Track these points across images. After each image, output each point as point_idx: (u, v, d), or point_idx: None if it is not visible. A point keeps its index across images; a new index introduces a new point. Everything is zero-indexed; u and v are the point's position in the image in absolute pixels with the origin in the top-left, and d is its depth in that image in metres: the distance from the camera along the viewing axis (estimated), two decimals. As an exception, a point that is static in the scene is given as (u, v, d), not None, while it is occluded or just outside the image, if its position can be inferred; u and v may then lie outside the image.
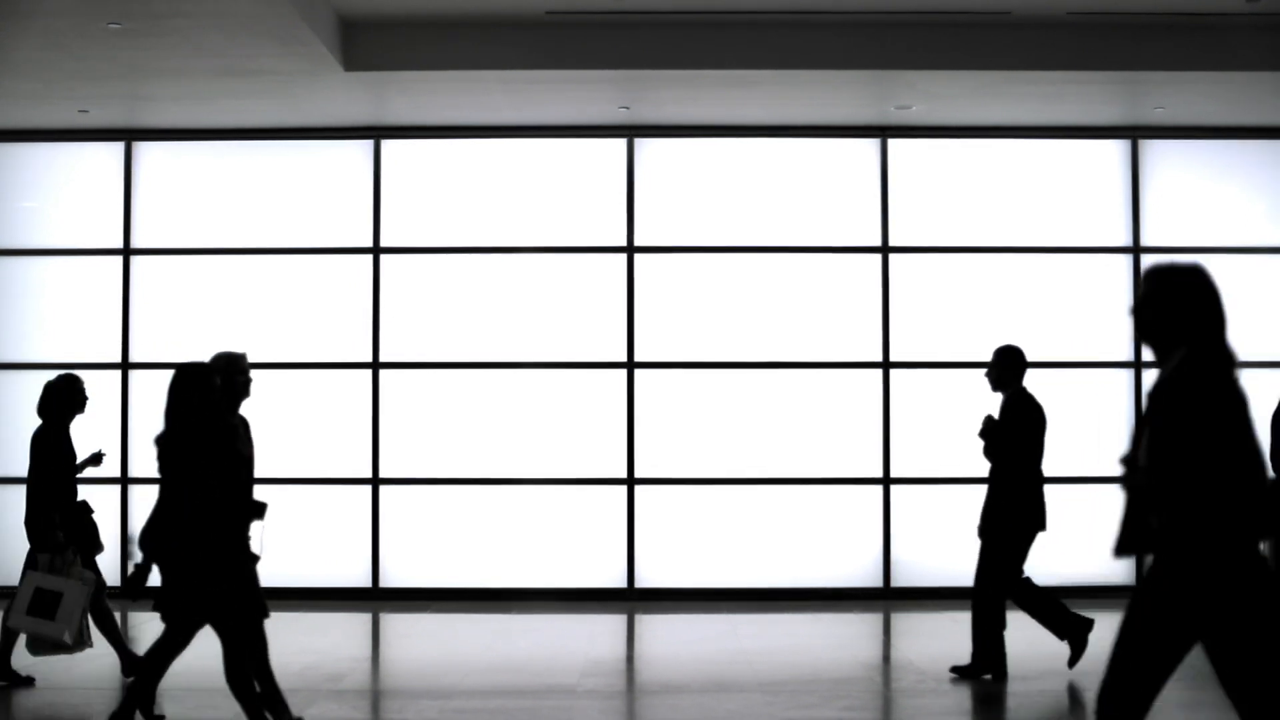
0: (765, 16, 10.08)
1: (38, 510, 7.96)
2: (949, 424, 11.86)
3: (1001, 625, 8.17)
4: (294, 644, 8.43)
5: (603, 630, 10.43)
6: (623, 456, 11.78)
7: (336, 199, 12.01)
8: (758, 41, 10.20)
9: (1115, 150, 12.05)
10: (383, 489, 11.78)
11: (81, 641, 7.88)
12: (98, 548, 8.19)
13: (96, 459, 8.43)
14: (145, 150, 12.08)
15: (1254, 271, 12.07)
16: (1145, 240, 11.98)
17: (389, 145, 12.00)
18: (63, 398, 8.19)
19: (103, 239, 12.05)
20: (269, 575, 11.88)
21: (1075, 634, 8.22)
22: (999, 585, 8.13)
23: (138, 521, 11.85)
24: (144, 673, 6.50)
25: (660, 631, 10.52)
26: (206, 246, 12.02)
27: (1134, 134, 12.00)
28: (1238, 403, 4.09)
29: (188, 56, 9.72)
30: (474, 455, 11.74)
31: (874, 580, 11.80)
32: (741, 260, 11.93)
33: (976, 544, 11.78)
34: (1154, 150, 12.05)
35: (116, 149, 12.07)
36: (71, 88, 10.59)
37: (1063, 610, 8.28)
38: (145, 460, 11.91)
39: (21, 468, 11.98)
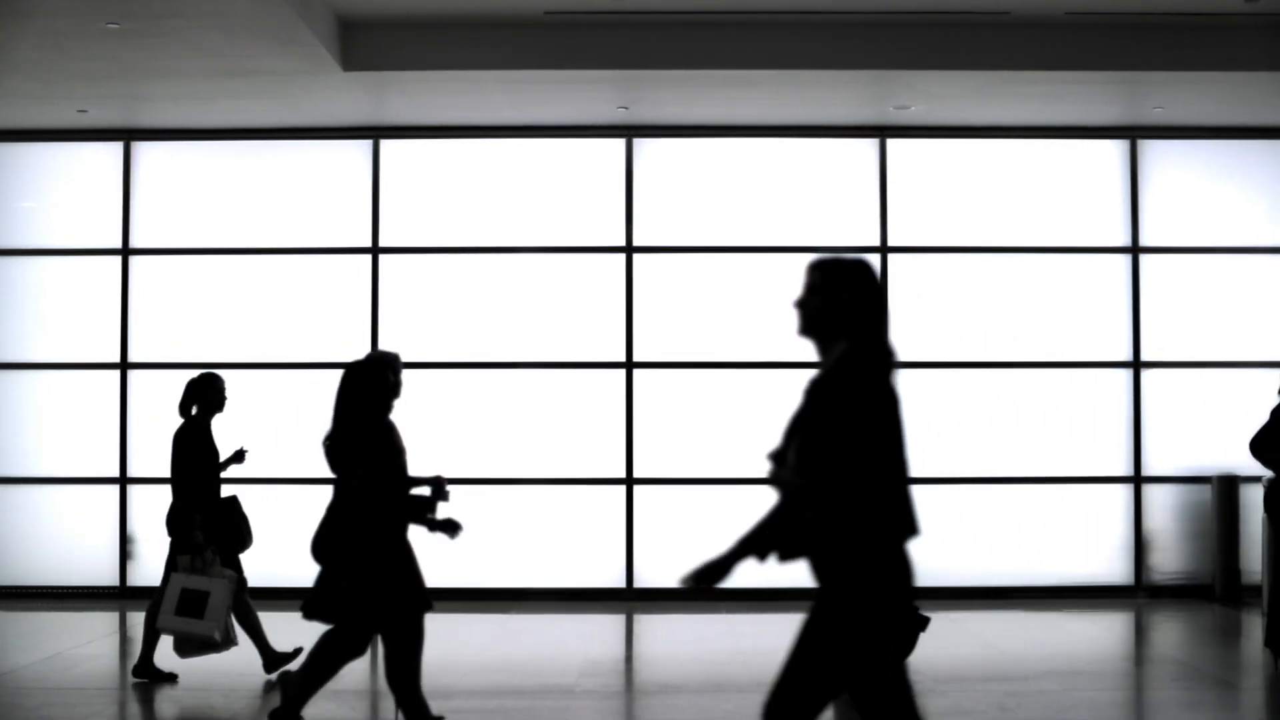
0: (764, 16, 10.08)
1: (179, 509, 7.97)
2: (948, 424, 11.87)
3: None
4: (292, 644, 8.43)
5: (601, 630, 10.43)
6: (621, 456, 11.78)
7: (335, 199, 12.01)
8: (757, 41, 10.20)
9: (1114, 150, 12.05)
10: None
11: (229, 640, 7.91)
12: (246, 543, 8.20)
13: (239, 457, 8.41)
14: (144, 150, 12.09)
15: (1253, 271, 12.07)
16: (1144, 240, 11.99)
17: (388, 145, 12.00)
18: (204, 395, 8.14)
19: (101, 239, 12.05)
20: (268, 574, 11.91)
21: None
22: None
23: (137, 521, 11.86)
24: (310, 675, 6.39)
25: (659, 631, 10.52)
26: (205, 246, 12.03)
27: (1133, 134, 12.00)
28: (889, 402, 3.96)
29: (186, 57, 9.72)
30: (472, 455, 11.74)
31: (873, 580, 11.79)
32: (740, 260, 11.93)
33: (975, 545, 11.82)
34: (1153, 150, 12.05)
35: (115, 149, 12.08)
36: (70, 88, 10.59)
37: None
38: (145, 460, 11.93)
39: (21, 467, 12.02)
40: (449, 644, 8.76)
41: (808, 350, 4.20)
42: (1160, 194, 12.04)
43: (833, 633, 3.91)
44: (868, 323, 4.02)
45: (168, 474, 8.13)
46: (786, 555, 3.93)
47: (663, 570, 11.77)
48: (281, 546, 11.73)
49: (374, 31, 10.14)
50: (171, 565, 7.98)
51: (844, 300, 4.03)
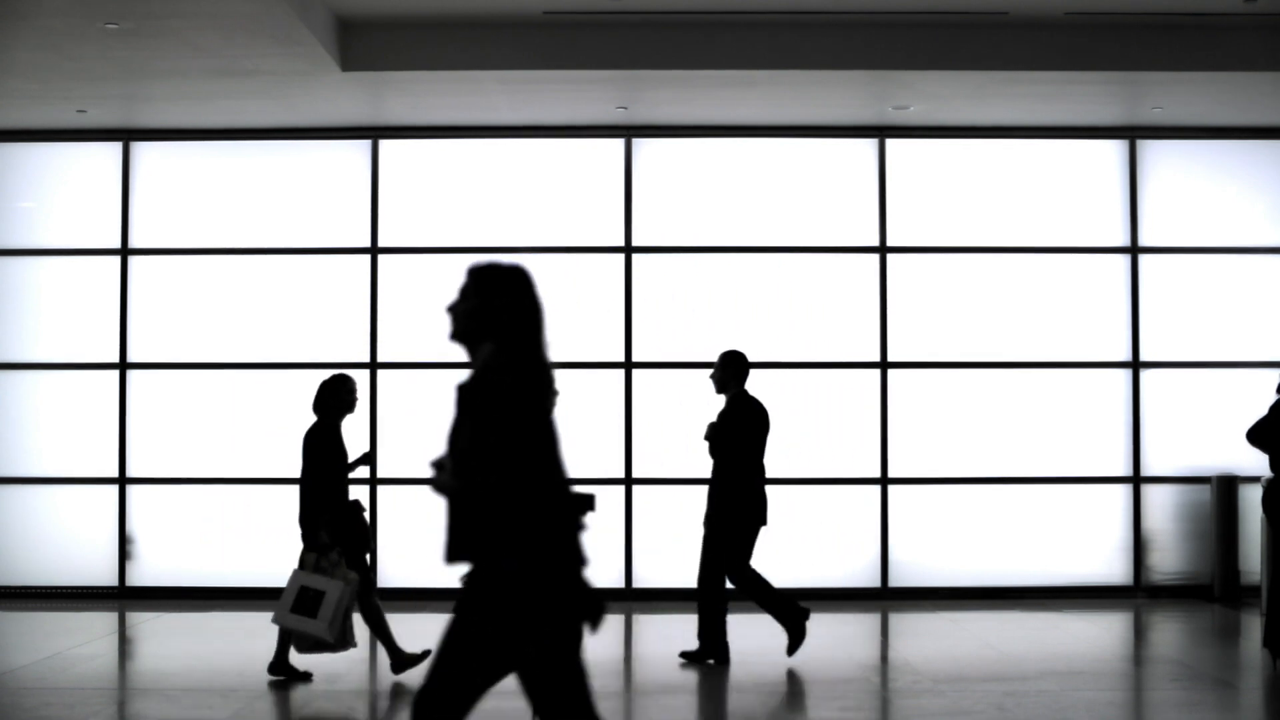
0: (763, 16, 10.08)
1: (307, 509, 7.97)
2: (947, 424, 11.87)
3: (723, 614, 8.74)
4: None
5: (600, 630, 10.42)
6: (620, 457, 11.78)
7: (334, 199, 12.01)
8: (755, 41, 10.20)
9: (1113, 150, 12.05)
10: (381, 490, 11.77)
11: (344, 641, 7.93)
12: (369, 546, 8.21)
13: (367, 458, 8.41)
14: (143, 150, 12.08)
15: (1252, 271, 12.08)
16: (1143, 240, 11.99)
17: (387, 145, 12.00)
18: (336, 396, 8.13)
19: (100, 239, 12.04)
20: (257, 576, 11.87)
21: (795, 622, 8.77)
22: (731, 576, 8.73)
23: (137, 521, 11.85)
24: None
25: (657, 632, 10.52)
26: (204, 246, 12.02)
27: (1132, 134, 12.01)
28: (535, 404, 3.96)
29: (185, 57, 9.72)
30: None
31: (871, 580, 11.80)
32: (739, 260, 11.93)
33: (974, 545, 11.82)
34: (1152, 150, 12.06)
35: (114, 149, 12.07)
36: (69, 88, 10.58)
37: (784, 600, 8.81)
38: (144, 460, 11.93)
39: (20, 467, 12.01)
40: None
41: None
42: (1159, 194, 12.05)
43: (489, 627, 3.89)
44: (518, 327, 4.04)
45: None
46: (452, 558, 3.93)
47: (662, 570, 11.76)
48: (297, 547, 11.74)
49: (373, 31, 10.13)
50: (302, 563, 8.04)
51: (494, 305, 4.06)
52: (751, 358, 11.91)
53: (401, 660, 8.19)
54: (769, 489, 9.07)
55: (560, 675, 3.97)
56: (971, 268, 12.00)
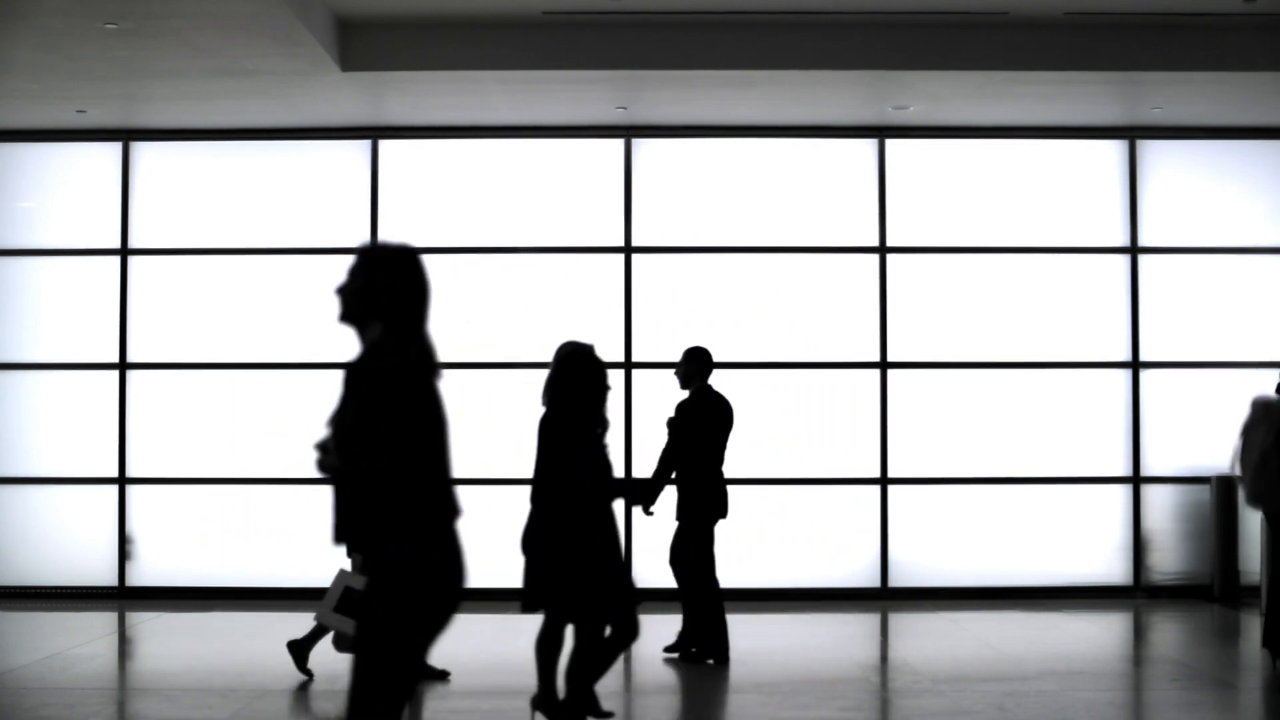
0: (762, 16, 10.08)
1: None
2: (947, 424, 11.87)
3: (720, 610, 8.77)
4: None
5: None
6: (620, 456, 11.78)
7: (334, 199, 12.01)
8: (755, 42, 10.20)
9: (1113, 150, 12.05)
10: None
11: None
12: None
13: None
14: (143, 150, 12.08)
15: (1252, 271, 12.08)
16: (1143, 240, 11.99)
17: (386, 145, 12.00)
18: None
19: (100, 239, 12.05)
20: (257, 576, 11.89)
21: (700, 633, 8.85)
22: (703, 573, 8.79)
23: (136, 521, 11.85)
24: (579, 678, 6.37)
25: (656, 632, 10.51)
26: (204, 247, 12.02)
27: (1132, 134, 12.01)
28: (420, 386, 3.98)
29: (185, 57, 9.72)
30: (471, 455, 11.74)
31: (871, 580, 11.80)
32: (739, 261, 11.93)
33: (973, 545, 11.82)
34: (1152, 150, 12.06)
35: (114, 149, 12.07)
36: (69, 88, 10.59)
37: (720, 616, 8.85)
38: (144, 461, 11.93)
39: (20, 467, 12.01)
40: (448, 644, 8.74)
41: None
42: (1159, 194, 12.05)
43: (378, 626, 3.91)
44: (404, 308, 4.03)
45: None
46: (338, 539, 3.93)
47: (662, 570, 11.75)
48: (292, 547, 11.73)
49: (372, 31, 10.14)
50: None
51: (380, 286, 4.03)
52: (751, 358, 11.95)
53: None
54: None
55: (403, 666, 3.97)
56: (971, 268, 12.00)
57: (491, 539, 11.73)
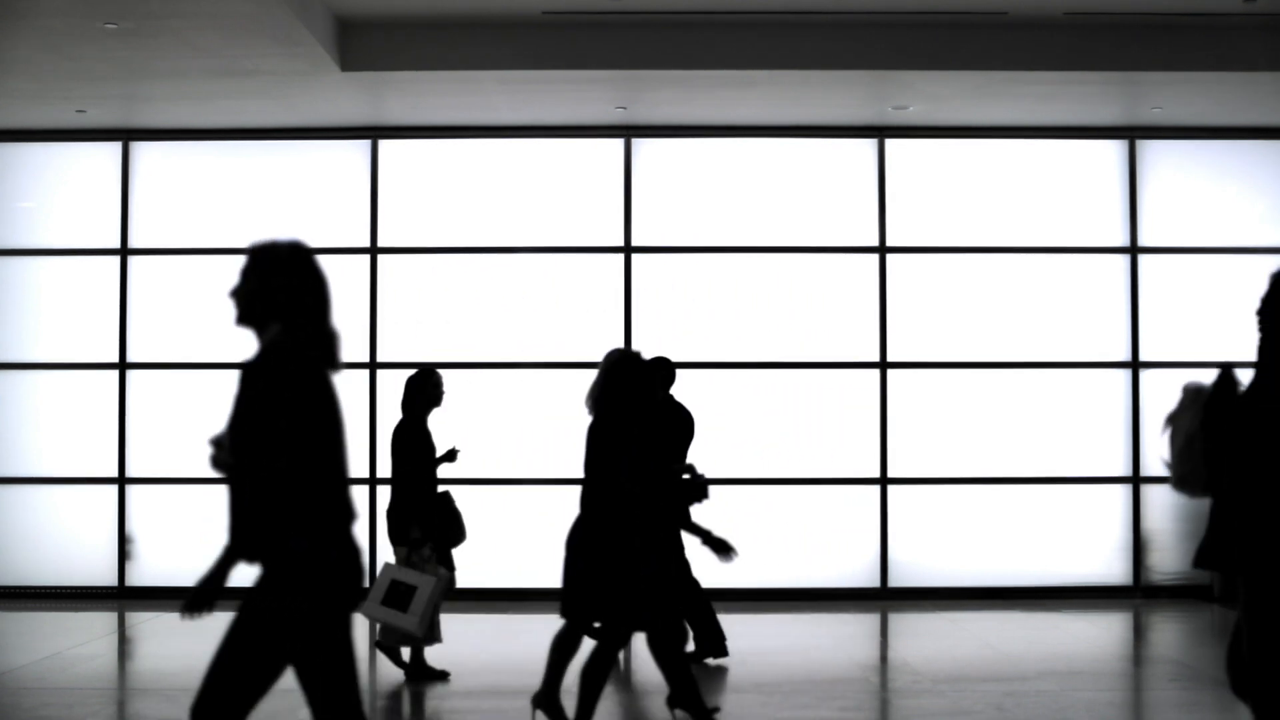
0: (762, 16, 10.08)
1: (397, 506, 7.98)
2: (946, 424, 11.87)
3: (707, 606, 8.77)
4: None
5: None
6: (620, 457, 11.77)
7: (334, 199, 12.01)
8: (755, 41, 10.20)
9: (1113, 150, 12.05)
10: (379, 489, 11.77)
11: (432, 636, 7.95)
12: (459, 538, 8.22)
13: (452, 455, 8.41)
14: (142, 150, 12.08)
15: (1252, 272, 12.06)
16: (1143, 240, 11.99)
17: (386, 145, 11.99)
18: (422, 392, 8.14)
19: (100, 239, 12.04)
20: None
21: (711, 635, 8.79)
22: (680, 576, 8.74)
23: (136, 521, 11.85)
24: (592, 683, 6.37)
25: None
26: (204, 246, 12.02)
27: (1131, 134, 12.00)
28: (317, 386, 3.96)
29: (184, 57, 9.72)
30: (471, 455, 11.73)
31: (871, 580, 11.80)
32: (738, 260, 11.93)
33: (973, 545, 11.81)
34: (1151, 150, 12.06)
35: (114, 149, 12.07)
36: (68, 88, 10.58)
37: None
38: (143, 460, 11.93)
39: (19, 467, 12.01)
40: (448, 644, 8.76)
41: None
42: (1159, 194, 12.05)
43: (267, 621, 3.88)
44: (301, 307, 4.02)
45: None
46: (235, 538, 3.93)
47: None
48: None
49: (372, 31, 10.13)
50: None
51: (274, 285, 4.02)
52: (751, 358, 11.95)
53: (420, 669, 8.20)
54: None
55: (336, 667, 3.97)
56: (971, 268, 12.00)
57: (490, 539, 11.75)
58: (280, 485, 3.86)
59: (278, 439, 3.85)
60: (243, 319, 4.06)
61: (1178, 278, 12.03)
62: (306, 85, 10.50)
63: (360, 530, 12.05)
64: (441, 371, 8.53)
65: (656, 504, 6.26)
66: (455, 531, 8.21)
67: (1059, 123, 11.82)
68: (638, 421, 6.26)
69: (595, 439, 6.35)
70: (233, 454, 3.88)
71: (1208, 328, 12.00)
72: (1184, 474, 5.01)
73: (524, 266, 11.94)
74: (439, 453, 8.30)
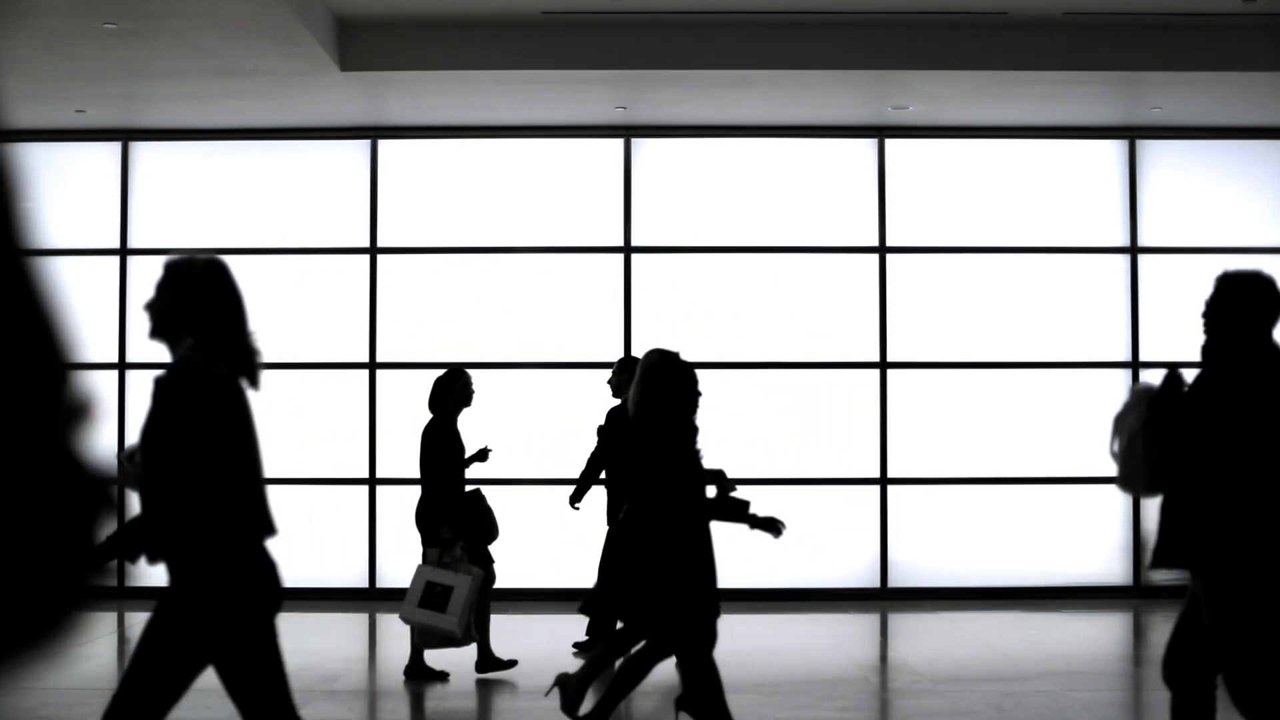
0: (762, 16, 10.08)
1: (427, 506, 7.95)
2: (946, 424, 11.86)
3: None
4: (289, 644, 8.39)
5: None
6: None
7: (333, 199, 12.01)
8: (755, 41, 10.20)
9: (1112, 150, 12.05)
10: (380, 489, 11.77)
11: (470, 635, 7.92)
12: (493, 535, 8.21)
13: (483, 455, 8.41)
14: (142, 150, 12.08)
15: (1251, 272, 12.06)
16: (1143, 240, 11.99)
17: (386, 145, 11.99)
18: (451, 391, 8.14)
19: (100, 239, 12.04)
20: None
21: (603, 633, 8.81)
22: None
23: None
24: (620, 682, 6.37)
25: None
26: (203, 247, 12.01)
27: (1131, 134, 12.00)
28: (230, 400, 4.00)
29: (184, 57, 9.72)
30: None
31: (871, 581, 11.79)
32: (738, 260, 11.93)
33: (973, 545, 11.81)
34: (1151, 150, 12.05)
35: (113, 149, 12.07)
36: (68, 88, 10.59)
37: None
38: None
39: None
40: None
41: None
42: (1159, 194, 12.05)
43: (184, 631, 3.90)
44: (215, 321, 4.03)
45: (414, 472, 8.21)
46: (153, 556, 3.95)
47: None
48: (300, 547, 11.71)
49: (372, 31, 10.13)
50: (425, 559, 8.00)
51: (187, 300, 4.04)
52: (751, 358, 11.94)
53: (488, 661, 8.17)
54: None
55: (260, 669, 3.98)
56: (971, 268, 11.99)
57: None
58: (194, 500, 3.87)
59: (188, 455, 3.87)
60: (155, 333, 4.10)
61: (1178, 278, 12.02)
62: (306, 85, 10.50)
63: (360, 529, 12.02)
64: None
65: (683, 507, 6.24)
66: (488, 529, 8.21)
67: (1059, 123, 11.82)
68: (676, 422, 6.24)
69: (631, 440, 6.34)
70: (144, 467, 3.90)
71: (1208, 328, 12.00)
72: (1127, 473, 5.09)
73: (524, 266, 11.93)
74: (469, 452, 8.31)
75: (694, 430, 6.39)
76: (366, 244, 11.94)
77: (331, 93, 10.73)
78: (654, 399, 6.29)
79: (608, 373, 11.87)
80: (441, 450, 8.01)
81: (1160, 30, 10.21)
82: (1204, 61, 10.26)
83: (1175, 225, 12.03)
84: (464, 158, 12.01)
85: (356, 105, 11.19)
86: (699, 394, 6.40)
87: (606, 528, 9.01)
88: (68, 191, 12.12)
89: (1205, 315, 5.04)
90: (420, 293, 11.91)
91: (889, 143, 11.99)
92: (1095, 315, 11.98)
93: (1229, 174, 12.10)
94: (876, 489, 11.84)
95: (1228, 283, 5.03)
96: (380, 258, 11.94)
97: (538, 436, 11.82)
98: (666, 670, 8.72)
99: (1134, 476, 5.05)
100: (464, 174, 12.01)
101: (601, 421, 9.13)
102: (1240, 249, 12.04)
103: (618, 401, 9.06)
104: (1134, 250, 11.97)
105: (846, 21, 10.15)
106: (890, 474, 11.83)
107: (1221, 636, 4.76)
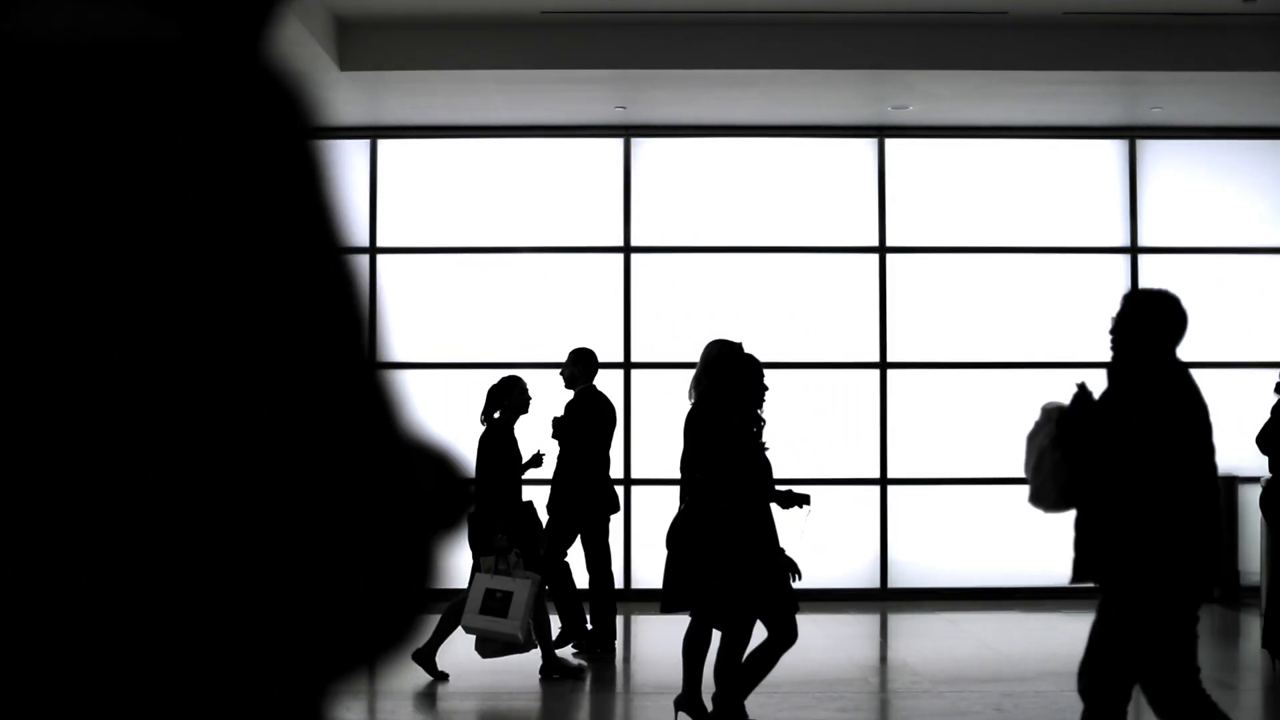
0: (762, 16, 10.07)
1: (481, 513, 7.96)
2: (947, 425, 11.85)
3: (612, 603, 9.03)
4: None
5: (599, 631, 10.41)
6: (619, 457, 11.76)
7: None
8: (754, 41, 10.19)
9: (1112, 150, 12.04)
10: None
11: (530, 640, 7.90)
12: (540, 546, 8.23)
13: (537, 460, 8.41)
14: (141, 150, 12.07)
15: (1253, 271, 12.06)
16: (1143, 240, 11.98)
17: (385, 145, 11.98)
18: (508, 398, 8.14)
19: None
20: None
21: (576, 629, 8.99)
22: (599, 567, 8.98)
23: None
24: (734, 683, 6.35)
25: (656, 632, 10.50)
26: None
27: (1131, 134, 11.99)
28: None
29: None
30: (471, 456, 11.72)
31: (871, 581, 11.78)
32: (738, 260, 11.92)
33: (973, 545, 11.80)
34: (1151, 150, 12.04)
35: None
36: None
37: (578, 605, 9.01)
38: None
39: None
40: (447, 644, 8.74)
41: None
42: (1159, 194, 12.04)
43: None
44: None
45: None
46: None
47: (661, 571, 11.74)
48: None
49: (371, 31, 10.12)
50: (476, 567, 7.95)
51: None
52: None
53: (551, 664, 8.13)
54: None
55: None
56: (971, 268, 11.98)
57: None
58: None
59: None
60: None
61: (1178, 278, 12.00)
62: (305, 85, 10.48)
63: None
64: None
65: (741, 500, 6.24)
66: (536, 540, 8.22)
67: (1059, 123, 11.81)
68: (738, 413, 6.25)
69: (691, 432, 6.35)
70: None
71: (1208, 328, 11.98)
72: (1036, 489, 5.17)
73: (524, 266, 11.92)
74: (524, 459, 8.31)
75: (759, 422, 6.40)
76: (366, 244, 11.93)
77: (330, 92, 10.72)
78: (717, 390, 6.29)
79: (607, 373, 11.89)
80: (498, 458, 8.00)
81: (1160, 30, 10.20)
82: (1204, 61, 10.25)
83: (1175, 225, 12.02)
84: (463, 158, 12.00)
85: (356, 105, 11.18)
86: (765, 387, 6.39)
87: (548, 517, 9.01)
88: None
89: (1112, 333, 5.18)
90: (420, 293, 11.90)
91: (889, 142, 11.98)
92: (1095, 315, 11.95)
93: (1229, 174, 12.09)
94: (876, 489, 11.83)
95: (1134, 301, 5.21)
96: (380, 257, 11.93)
97: (536, 438, 11.80)
98: (666, 670, 8.71)
99: (1044, 492, 5.14)
100: (463, 174, 12.01)
101: (559, 414, 9.09)
102: (1240, 249, 12.03)
103: (571, 394, 9.10)
104: (1134, 250, 11.96)
105: (846, 21, 10.14)
106: (890, 474, 11.82)
107: (1137, 647, 4.79)
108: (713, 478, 6.19)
